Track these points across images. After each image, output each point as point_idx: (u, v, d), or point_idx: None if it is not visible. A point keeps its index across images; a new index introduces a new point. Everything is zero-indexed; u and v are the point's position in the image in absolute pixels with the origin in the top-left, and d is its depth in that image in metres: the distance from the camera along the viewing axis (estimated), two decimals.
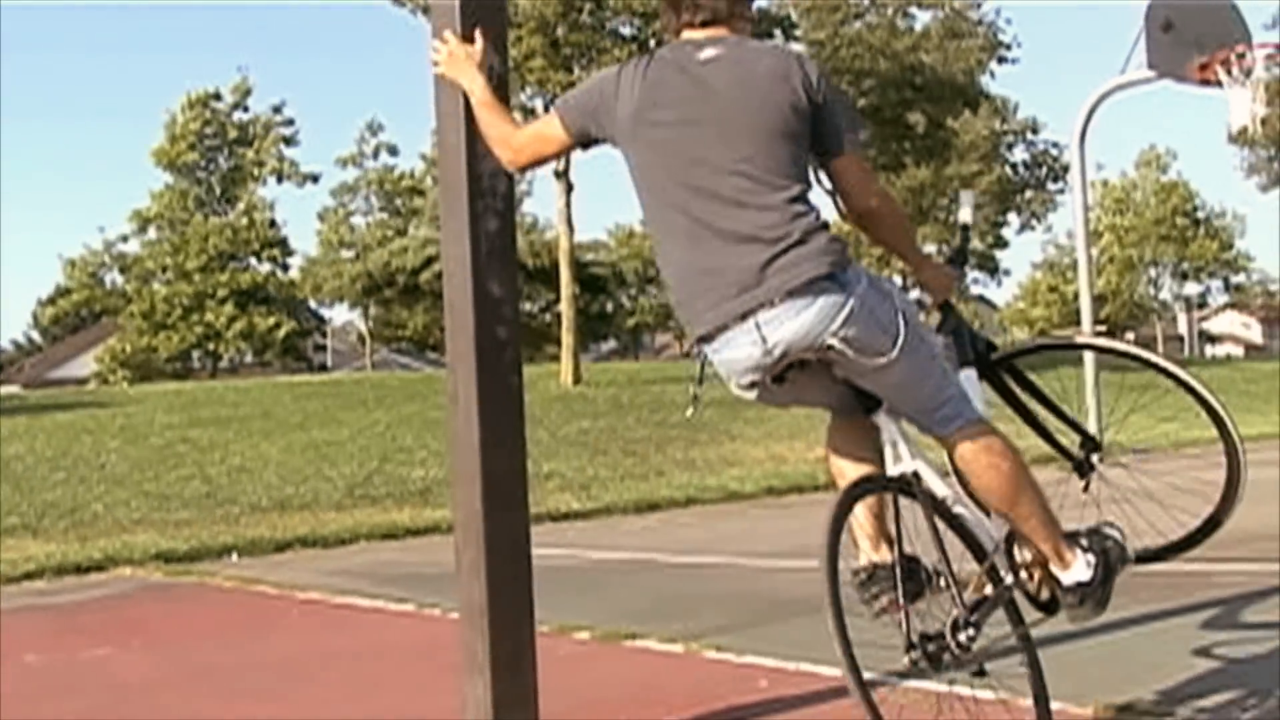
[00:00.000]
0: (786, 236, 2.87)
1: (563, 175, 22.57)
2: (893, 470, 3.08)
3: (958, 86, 29.71)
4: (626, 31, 22.92)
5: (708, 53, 2.96)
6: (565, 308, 23.51)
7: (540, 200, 63.06)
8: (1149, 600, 4.74)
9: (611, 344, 58.92)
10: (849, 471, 3.15)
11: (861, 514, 3.11)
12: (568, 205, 23.14)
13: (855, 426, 3.17)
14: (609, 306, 49.84)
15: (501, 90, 3.18)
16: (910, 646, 2.92)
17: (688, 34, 3.01)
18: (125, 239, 48.43)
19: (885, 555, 3.09)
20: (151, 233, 47.28)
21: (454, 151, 3.21)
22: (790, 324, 2.86)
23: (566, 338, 22.92)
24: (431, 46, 3.20)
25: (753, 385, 3.00)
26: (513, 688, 3.16)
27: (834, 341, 2.87)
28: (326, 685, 4.49)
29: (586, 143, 3.04)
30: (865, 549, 3.14)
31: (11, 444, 14.37)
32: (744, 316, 2.86)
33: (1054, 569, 3.04)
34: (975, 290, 56.71)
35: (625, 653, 4.69)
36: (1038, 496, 3.03)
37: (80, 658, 5.30)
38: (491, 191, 3.20)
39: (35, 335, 73.83)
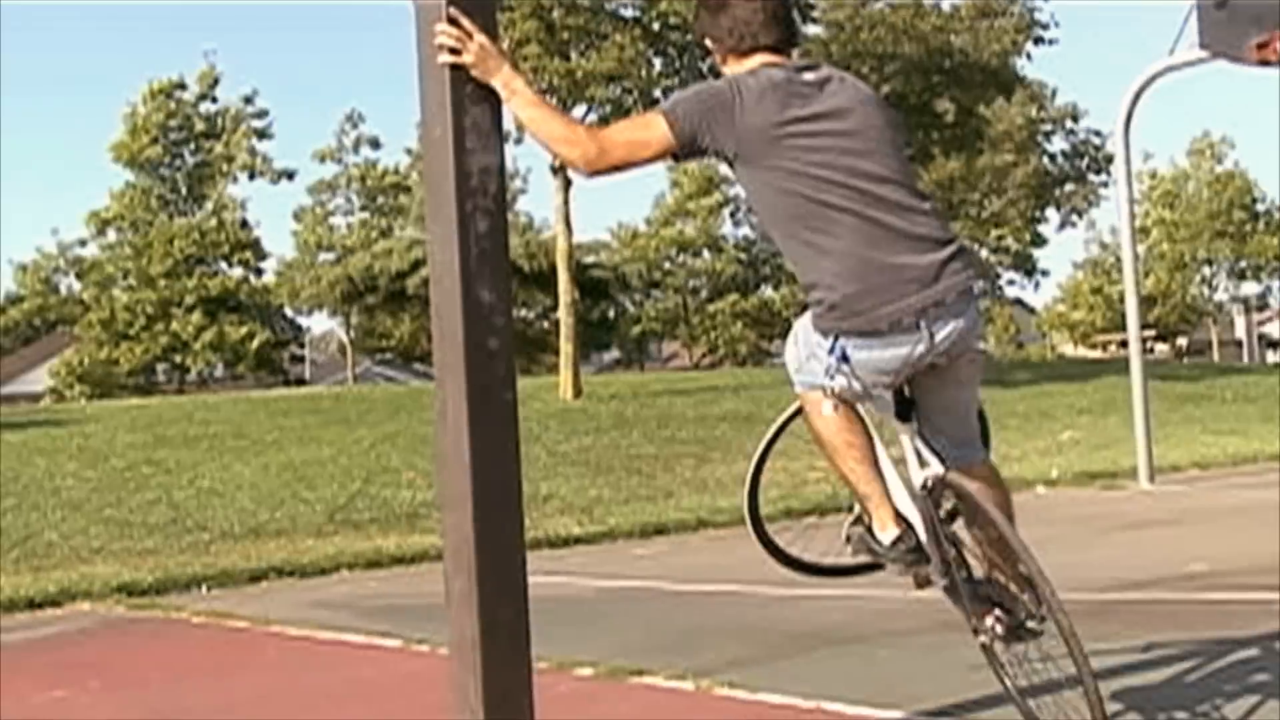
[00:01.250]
0: (953, 241, 3.43)
1: (560, 170, 22.60)
2: (918, 476, 3.64)
3: (990, 70, 29.72)
4: (628, 14, 22.99)
5: (815, 74, 3.52)
6: (564, 314, 23.54)
7: (536, 198, 63.29)
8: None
9: (614, 354, 59.03)
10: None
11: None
12: (566, 203, 23.18)
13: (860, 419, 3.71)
14: (611, 313, 49.87)
15: None
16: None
17: (766, 57, 3.52)
18: (83, 243, 48.56)
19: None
20: (111, 235, 47.39)
21: (440, 146, 3.22)
22: (953, 324, 3.40)
23: (565, 347, 22.94)
24: (439, 32, 3.17)
25: (889, 386, 3.54)
26: None
27: (973, 346, 3.51)
28: None
29: (689, 152, 3.46)
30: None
31: None
32: (920, 313, 3.36)
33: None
34: (1011, 293, 56.82)
35: (630, 691, 4.70)
36: None
37: (33, 702, 5.31)
38: (482, 190, 3.21)
39: None
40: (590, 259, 42.23)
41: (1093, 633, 3.21)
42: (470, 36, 3.17)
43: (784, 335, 55.37)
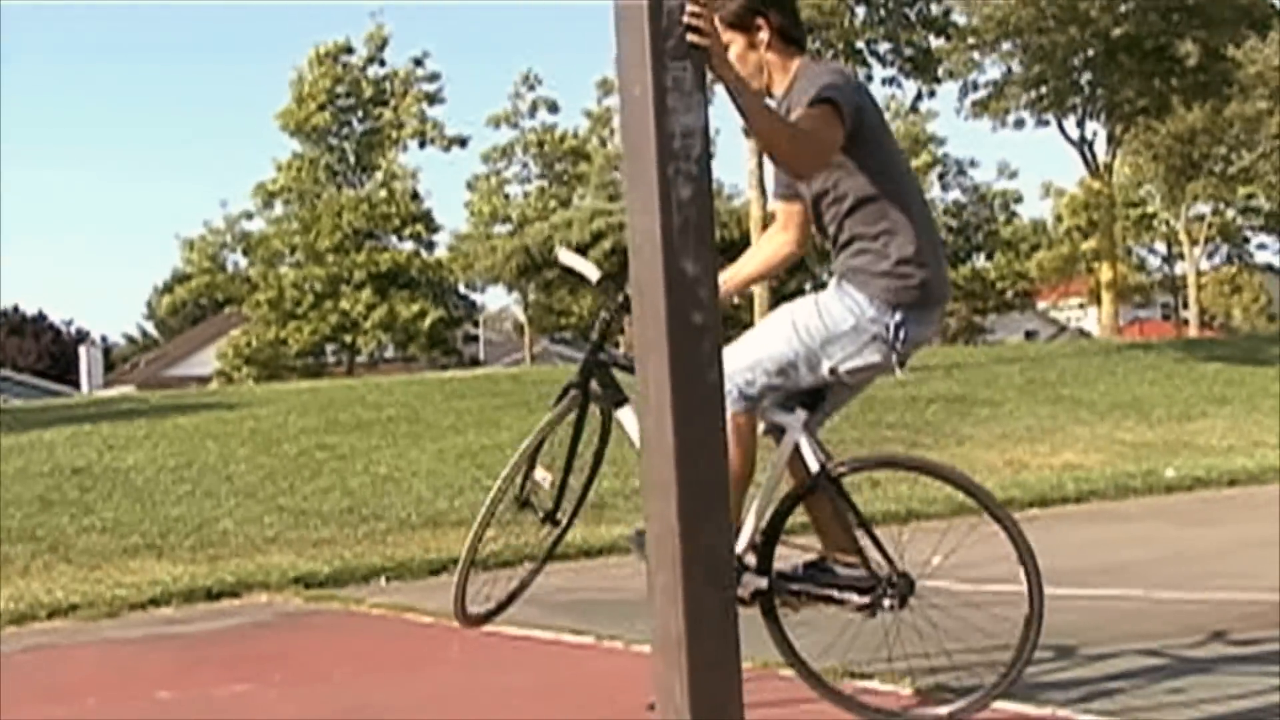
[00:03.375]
0: None
1: None
2: (815, 466, 4.39)
3: (1240, 6, 28.67)
4: None
5: None
6: (757, 287, 23.54)
7: (725, 162, 63.20)
8: None
9: None
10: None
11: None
12: (760, 167, 23.17)
13: None
14: (808, 285, 49.62)
15: None
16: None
17: (803, 55, 4.38)
18: (249, 216, 49.95)
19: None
20: (278, 208, 48.66)
21: (639, 106, 3.25)
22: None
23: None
24: (690, 13, 3.28)
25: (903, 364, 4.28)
26: None
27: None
28: None
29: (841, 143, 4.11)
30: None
31: (130, 452, 15.01)
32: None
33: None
34: (1262, 258, 54.83)
35: (842, 693, 4.68)
36: None
37: (217, 694, 5.53)
38: (685, 154, 3.24)
39: (150, 328, 77.11)
40: None
41: None
42: (712, 21, 3.37)
43: (998, 309, 54.21)
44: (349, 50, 47.28)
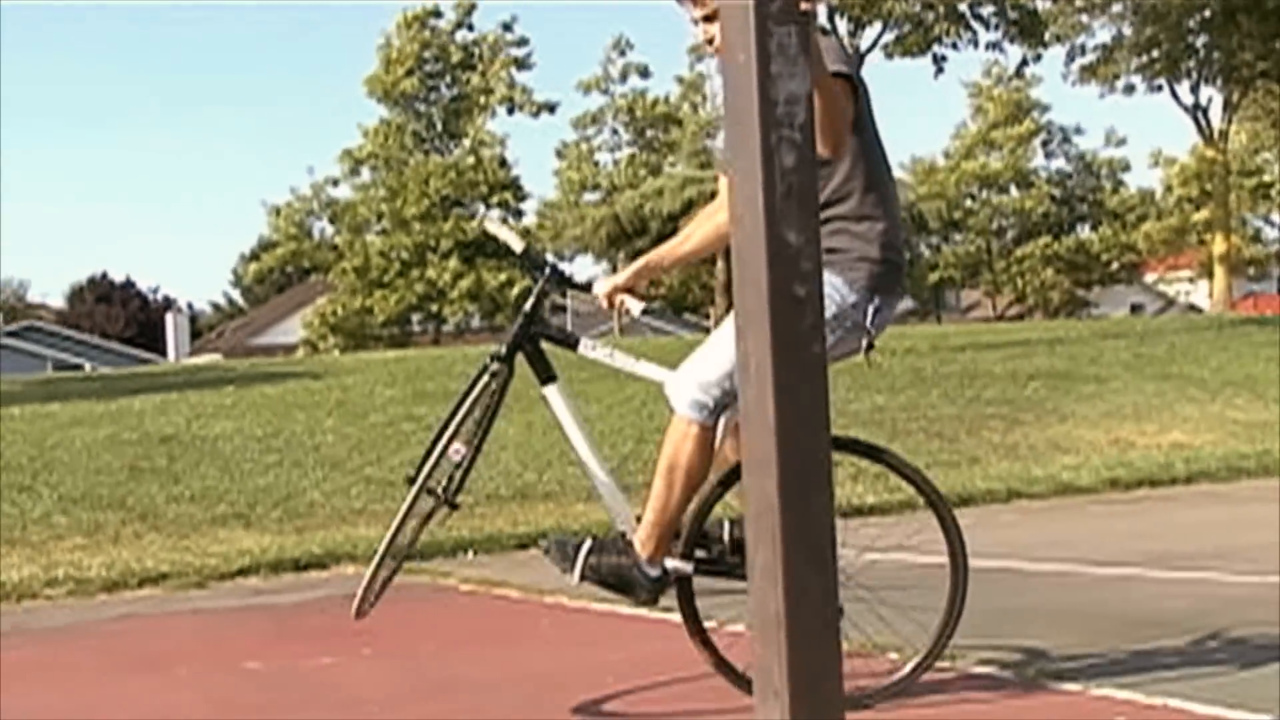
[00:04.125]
0: None
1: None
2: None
3: None
4: None
5: None
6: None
7: None
8: None
9: (907, 303, 58.34)
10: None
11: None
12: None
13: None
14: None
15: None
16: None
17: None
18: (336, 183, 50.42)
19: None
20: (365, 174, 49.07)
21: (743, 72, 3.24)
22: None
23: None
24: None
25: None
26: (816, 716, 3.19)
27: None
28: (592, 706, 4.64)
29: None
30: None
31: (218, 421, 15.24)
32: None
33: None
34: None
35: (941, 677, 4.68)
36: None
37: (305, 666, 5.63)
38: (788, 120, 3.22)
39: (236, 296, 78.14)
40: None
41: None
42: None
43: (1102, 282, 53.44)
44: (437, 14, 47.54)
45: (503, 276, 44.50)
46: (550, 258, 4.63)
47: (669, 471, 4.24)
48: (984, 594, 6.78)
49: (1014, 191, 56.08)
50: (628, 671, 5.14)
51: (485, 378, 4.57)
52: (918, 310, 59.64)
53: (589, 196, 48.95)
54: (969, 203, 56.21)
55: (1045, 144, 56.58)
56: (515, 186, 47.11)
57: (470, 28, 47.80)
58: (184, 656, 5.91)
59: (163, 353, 56.55)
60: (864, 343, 4.24)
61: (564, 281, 4.78)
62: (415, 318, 47.47)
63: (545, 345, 4.64)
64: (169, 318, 60.23)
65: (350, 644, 5.98)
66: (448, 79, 47.80)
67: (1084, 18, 33.18)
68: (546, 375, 4.61)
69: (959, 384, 17.87)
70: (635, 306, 4.59)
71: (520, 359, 4.61)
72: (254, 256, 60.17)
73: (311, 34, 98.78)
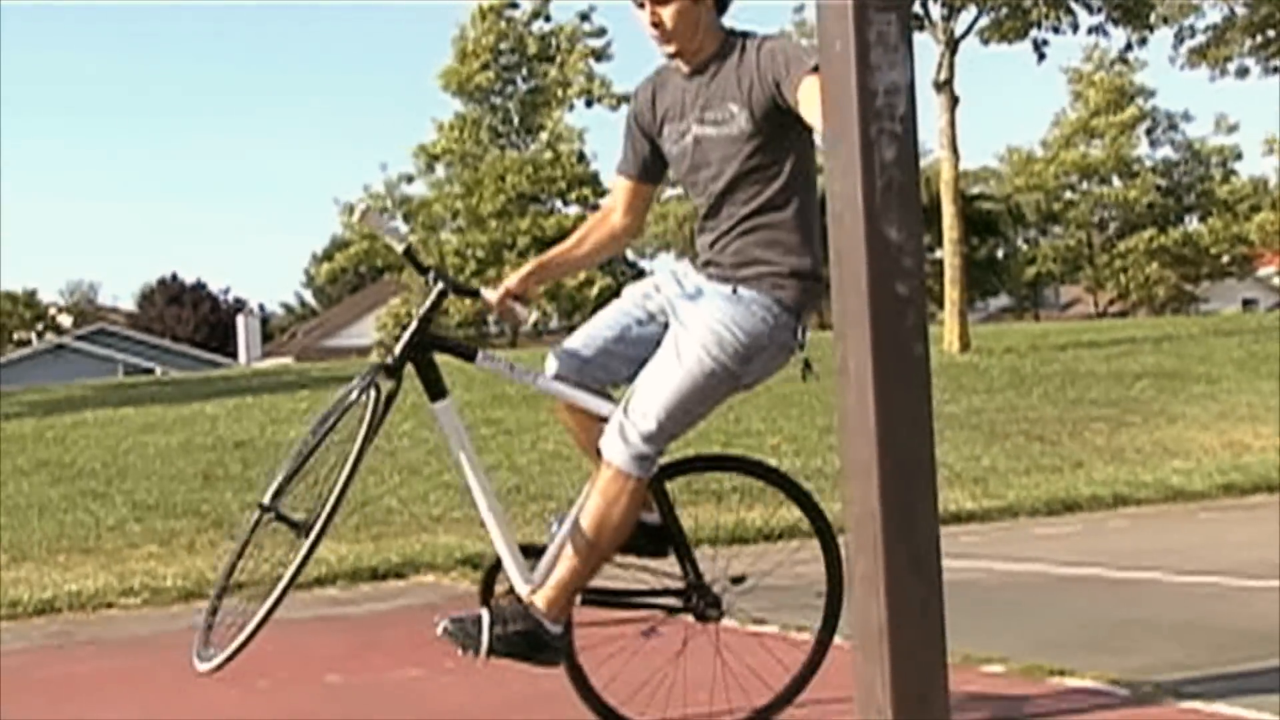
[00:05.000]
0: None
1: (945, 86, 22.27)
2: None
3: None
4: None
5: None
6: (948, 254, 23.27)
7: None
8: None
9: (1003, 300, 57.86)
10: None
11: None
12: (951, 125, 22.85)
13: None
14: (1000, 252, 48.93)
15: None
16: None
17: (722, 31, 4.17)
18: (410, 179, 50.71)
19: None
20: (439, 171, 49.28)
21: (840, 62, 3.23)
22: None
23: (951, 292, 22.69)
24: None
25: None
26: None
27: None
28: None
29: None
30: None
31: (292, 425, 15.40)
32: None
33: None
34: None
35: (1050, 692, 4.65)
36: None
37: (387, 679, 5.67)
38: (889, 113, 3.21)
39: (309, 297, 78.87)
40: (976, 189, 41.52)
41: None
42: None
43: (1212, 276, 52.90)
44: (513, 5, 47.63)
45: (581, 276, 44.54)
46: (431, 262, 4.27)
47: (597, 532, 4.06)
48: (1094, 605, 6.74)
49: (1116, 182, 55.47)
50: (714, 687, 5.13)
51: (370, 391, 4.12)
52: (1014, 307, 59.15)
53: (670, 192, 48.89)
54: (1068, 194, 55.67)
55: (1150, 131, 55.92)
56: (594, 182, 47.11)
57: (547, 18, 47.89)
58: (263, 669, 5.96)
59: (234, 355, 57.24)
60: (802, 363, 4.15)
61: (451, 287, 4.34)
62: (491, 318, 47.64)
63: (439, 357, 4.31)
64: (240, 320, 60.90)
65: (432, 656, 6.00)
66: (524, 71, 47.88)
67: None
68: (438, 390, 4.28)
69: (1060, 384, 17.73)
70: (524, 313, 4.33)
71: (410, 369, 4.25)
72: (326, 256, 60.61)
73: (386, 28, 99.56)
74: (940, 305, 22.78)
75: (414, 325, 4.22)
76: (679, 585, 4.39)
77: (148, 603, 7.93)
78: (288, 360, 47.49)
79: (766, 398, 16.94)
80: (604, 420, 4.12)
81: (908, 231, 3.23)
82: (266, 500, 4.19)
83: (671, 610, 4.43)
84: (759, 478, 4.59)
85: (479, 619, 4.13)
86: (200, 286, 69.25)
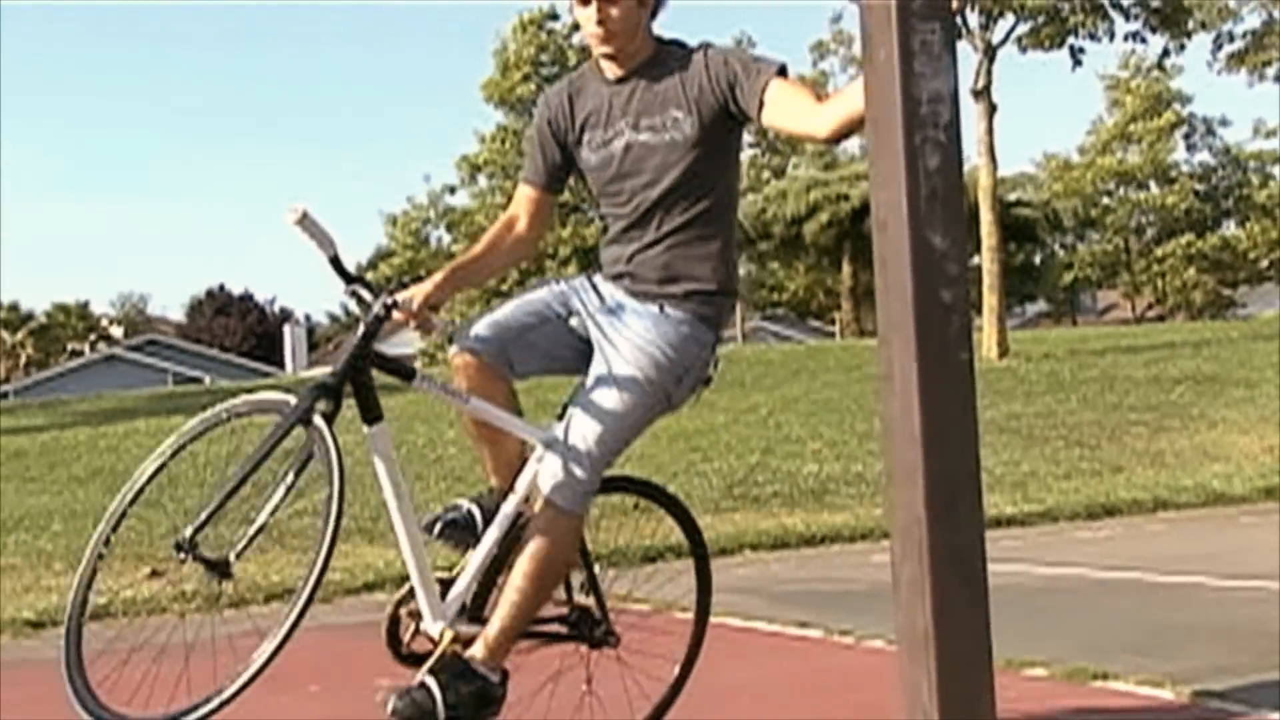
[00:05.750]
0: None
1: (983, 94, 22.20)
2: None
3: None
4: None
5: None
6: (986, 260, 23.17)
7: None
8: None
9: (1040, 305, 57.64)
10: None
11: None
12: (989, 131, 22.76)
13: None
14: (1038, 258, 48.69)
15: None
16: None
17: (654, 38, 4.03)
18: (453, 190, 50.88)
19: None
20: (482, 181, 49.43)
21: (885, 70, 3.23)
22: None
23: (989, 298, 22.60)
24: None
25: None
26: None
27: None
28: None
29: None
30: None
31: (339, 434, 15.45)
32: None
33: None
34: None
35: (1093, 697, 4.62)
36: None
37: None
38: (933, 121, 3.20)
39: (353, 306, 79.17)
40: (1014, 195, 41.34)
41: None
42: None
43: (1250, 281, 52.38)
44: (553, 17, 47.75)
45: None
46: (352, 268, 3.93)
47: (542, 575, 3.91)
48: (1136, 609, 6.70)
49: (1153, 187, 55.19)
50: (760, 692, 5.13)
51: (315, 418, 3.85)
52: (1051, 313, 58.89)
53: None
54: (1105, 200, 55.42)
55: (1187, 137, 55.62)
56: None
57: None
58: (314, 674, 5.99)
59: (280, 365, 57.45)
60: (707, 374, 4.00)
61: (366, 290, 4.05)
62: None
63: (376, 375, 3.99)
64: (286, 329, 61.14)
65: None
66: None
67: (1232, 2, 32.53)
68: (375, 412, 3.95)
69: (1099, 389, 17.64)
70: (439, 323, 4.07)
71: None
72: (371, 266, 60.76)
73: (427, 38, 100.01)
74: (978, 311, 22.72)
75: (357, 342, 3.92)
76: (567, 612, 4.29)
77: (200, 609, 7.95)
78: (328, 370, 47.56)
79: (806, 404, 16.93)
80: (524, 443, 4.03)
81: (951, 239, 3.22)
82: (187, 536, 3.73)
83: (567, 639, 4.31)
84: (650, 498, 4.52)
85: (426, 688, 3.85)
86: (247, 297, 69.58)
